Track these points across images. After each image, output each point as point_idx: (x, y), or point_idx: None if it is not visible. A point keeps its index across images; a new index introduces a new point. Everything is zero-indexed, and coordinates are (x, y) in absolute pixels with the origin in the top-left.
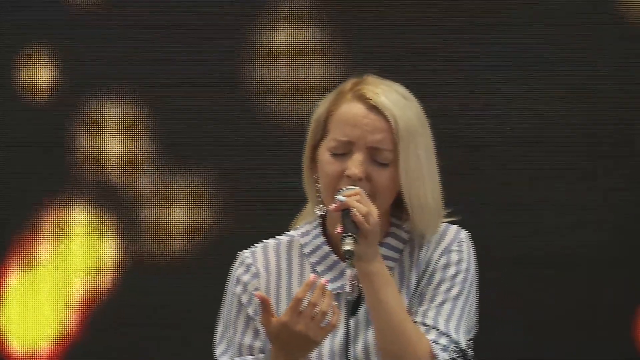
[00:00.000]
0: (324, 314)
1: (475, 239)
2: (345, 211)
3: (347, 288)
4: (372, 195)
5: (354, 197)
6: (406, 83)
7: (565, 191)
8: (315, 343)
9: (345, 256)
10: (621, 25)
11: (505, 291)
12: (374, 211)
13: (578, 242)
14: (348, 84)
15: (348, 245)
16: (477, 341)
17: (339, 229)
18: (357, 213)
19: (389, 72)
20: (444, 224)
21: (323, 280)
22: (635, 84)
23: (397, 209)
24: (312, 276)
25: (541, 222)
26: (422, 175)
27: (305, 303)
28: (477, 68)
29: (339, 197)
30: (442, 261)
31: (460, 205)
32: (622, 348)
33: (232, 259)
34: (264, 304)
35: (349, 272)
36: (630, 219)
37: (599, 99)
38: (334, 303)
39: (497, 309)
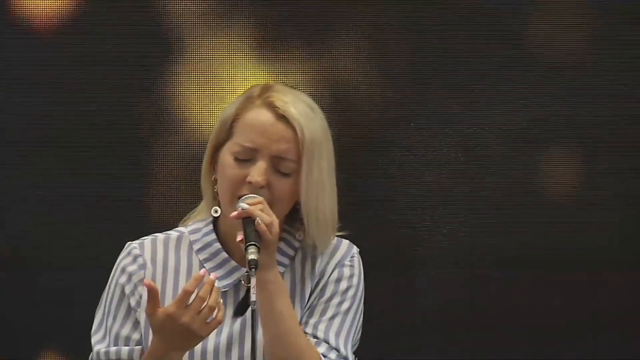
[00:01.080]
0: (211, 309)
1: (476, 238)
2: (247, 219)
3: (252, 297)
4: (271, 203)
5: (257, 206)
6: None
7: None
8: (200, 337)
9: (250, 265)
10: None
11: (505, 291)
12: (275, 221)
13: (580, 242)
14: (256, 89)
15: (253, 255)
16: (478, 341)
17: (239, 237)
18: (260, 222)
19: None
20: (336, 237)
21: (212, 275)
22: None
23: (289, 217)
24: (201, 271)
25: (541, 222)
26: (322, 187)
27: (192, 297)
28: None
29: (243, 204)
30: (335, 275)
31: (458, 206)
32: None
33: None
34: (152, 293)
35: (253, 281)
36: (632, 219)
37: (599, 98)
38: (221, 300)
39: (497, 308)
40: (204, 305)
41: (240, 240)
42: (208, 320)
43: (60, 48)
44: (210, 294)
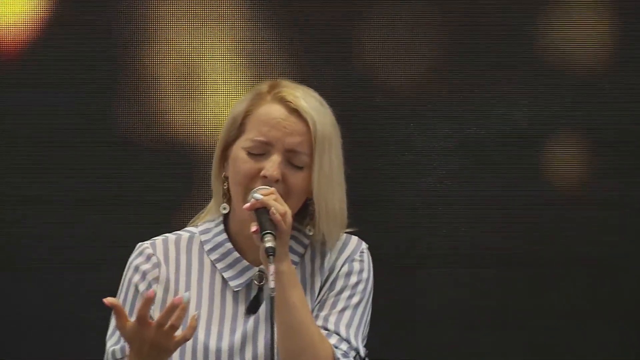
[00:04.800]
0: (173, 327)
1: (476, 238)
2: (260, 210)
3: (271, 284)
4: (285, 197)
5: (270, 196)
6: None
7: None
8: (168, 351)
9: (268, 252)
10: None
11: (506, 291)
12: (289, 211)
13: (581, 242)
14: (264, 85)
15: (270, 242)
16: (478, 341)
17: (254, 228)
18: (275, 212)
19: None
20: (345, 234)
21: (177, 299)
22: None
23: (297, 214)
24: (175, 299)
25: (541, 222)
26: (333, 181)
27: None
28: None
29: (256, 195)
30: (345, 269)
31: (458, 206)
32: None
33: None
34: (117, 309)
35: (271, 268)
36: (633, 219)
37: (601, 98)
38: (194, 314)
39: (497, 308)
40: (168, 321)
41: (254, 231)
42: (174, 335)
43: (49, 45)
44: (173, 314)
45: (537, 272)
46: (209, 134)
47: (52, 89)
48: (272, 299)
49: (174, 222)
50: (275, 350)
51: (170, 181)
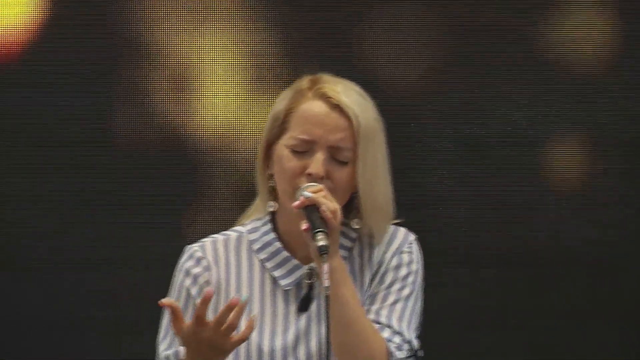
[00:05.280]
0: (231, 326)
1: (476, 238)
2: (310, 207)
3: (325, 283)
4: (331, 193)
5: (320, 194)
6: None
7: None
8: (224, 351)
9: (322, 251)
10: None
11: (506, 291)
12: (338, 208)
13: (581, 242)
14: (304, 81)
15: (322, 241)
16: (478, 341)
17: (304, 226)
18: (325, 209)
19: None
20: (392, 226)
21: (234, 299)
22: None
23: (344, 209)
24: (233, 299)
25: (541, 222)
26: (377, 175)
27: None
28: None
29: (306, 193)
30: (394, 262)
31: (458, 206)
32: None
33: None
34: (174, 310)
35: (325, 266)
36: (633, 218)
37: (601, 98)
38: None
39: (497, 308)
40: (225, 322)
41: (305, 229)
42: (230, 336)
43: (49, 45)
44: (229, 314)
45: (537, 272)
46: (209, 134)
47: (53, 89)
48: (327, 297)
49: (174, 222)
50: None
51: (171, 181)
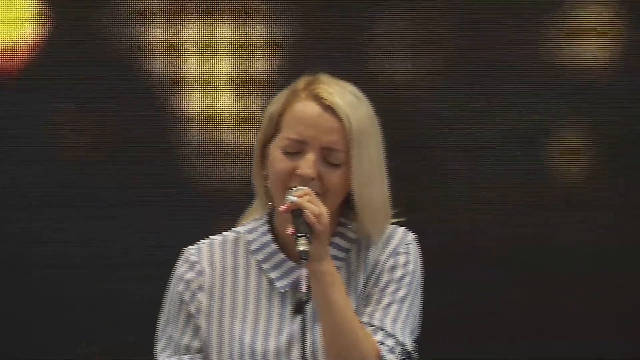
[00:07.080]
0: None
1: (476, 237)
2: (296, 212)
3: (303, 288)
4: (323, 195)
5: (304, 198)
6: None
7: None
8: None
9: (301, 257)
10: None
11: (506, 291)
12: (324, 211)
13: (581, 242)
14: (301, 82)
15: (303, 246)
16: (478, 341)
17: (290, 230)
18: (309, 214)
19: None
20: (391, 225)
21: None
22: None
23: (344, 209)
24: None
25: (542, 222)
26: (372, 176)
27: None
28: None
29: (290, 197)
30: (390, 263)
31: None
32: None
33: None
34: None
35: (304, 272)
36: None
37: (602, 98)
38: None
39: (498, 308)
40: None
41: (291, 233)
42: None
43: (49, 47)
44: None
45: (537, 271)
46: (209, 134)
47: (53, 90)
48: (304, 303)
49: (175, 222)
50: (317, 351)
51: (171, 182)
